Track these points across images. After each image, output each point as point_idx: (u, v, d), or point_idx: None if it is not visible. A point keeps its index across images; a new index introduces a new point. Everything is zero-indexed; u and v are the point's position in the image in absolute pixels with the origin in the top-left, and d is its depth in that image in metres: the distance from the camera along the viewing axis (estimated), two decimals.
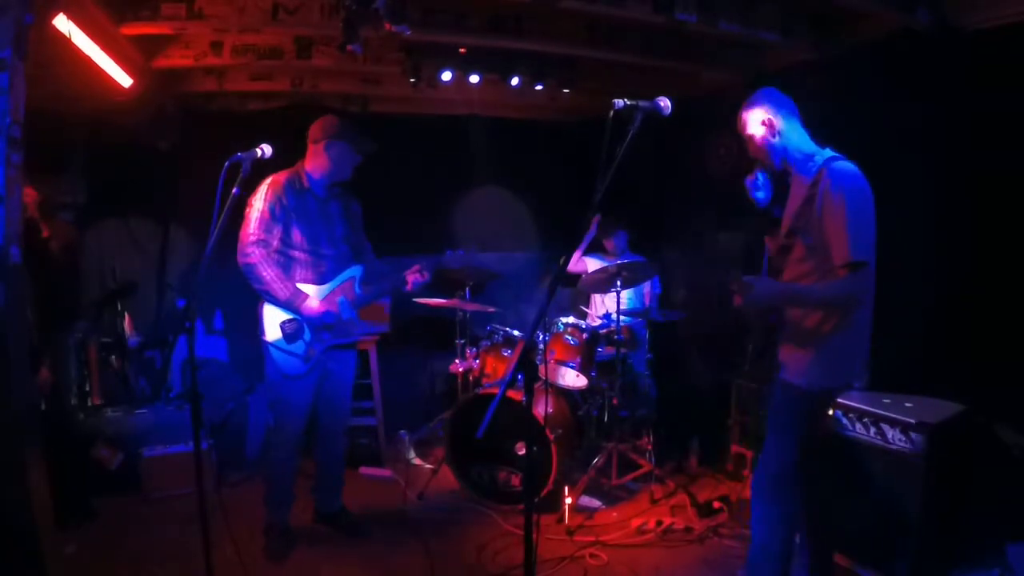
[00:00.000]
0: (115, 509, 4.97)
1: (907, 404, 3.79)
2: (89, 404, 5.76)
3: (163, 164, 6.28)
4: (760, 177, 3.75)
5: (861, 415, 3.81)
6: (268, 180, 4.20)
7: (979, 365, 4.17)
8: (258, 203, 4.14)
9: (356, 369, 4.75)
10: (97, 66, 4.49)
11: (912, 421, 3.59)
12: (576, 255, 6.35)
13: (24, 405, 3.40)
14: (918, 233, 4.31)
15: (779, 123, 3.34)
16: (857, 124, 4.56)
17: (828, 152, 3.32)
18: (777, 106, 3.36)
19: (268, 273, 4.11)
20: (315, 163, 4.30)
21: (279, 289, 4.14)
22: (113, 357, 6.05)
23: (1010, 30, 4.03)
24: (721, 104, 5.21)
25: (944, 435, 3.57)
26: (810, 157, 3.33)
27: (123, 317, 6.11)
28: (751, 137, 3.40)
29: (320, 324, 4.29)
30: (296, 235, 4.26)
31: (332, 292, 4.38)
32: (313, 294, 4.29)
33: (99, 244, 6.25)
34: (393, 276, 4.49)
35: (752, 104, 3.39)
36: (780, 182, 3.56)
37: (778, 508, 3.29)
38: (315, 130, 4.29)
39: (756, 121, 3.36)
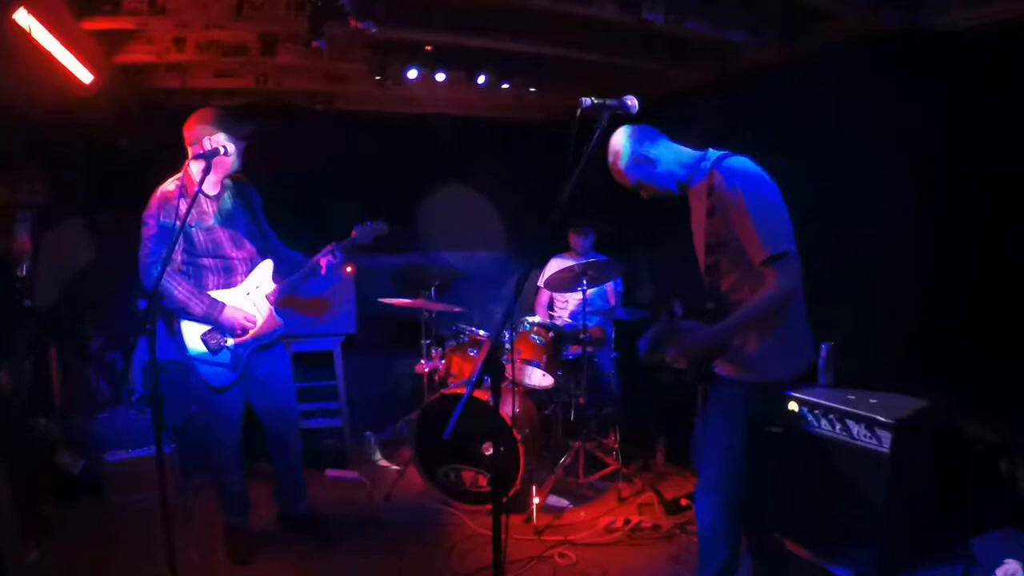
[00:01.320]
0: (78, 515, 4.90)
1: (872, 400, 3.85)
2: (49, 409, 5.67)
3: (124, 162, 6.19)
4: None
5: (826, 411, 3.87)
6: (155, 194, 3.99)
7: (953, 361, 4.20)
8: (150, 220, 3.94)
9: (292, 366, 4.65)
10: (57, 61, 4.40)
11: (878, 417, 3.65)
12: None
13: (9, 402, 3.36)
14: (895, 231, 4.39)
15: (650, 152, 3.25)
16: (825, 123, 4.63)
17: (713, 153, 3.24)
18: (638, 139, 3.28)
19: (179, 290, 3.95)
20: (199, 163, 3.93)
21: (195, 304, 3.99)
22: (73, 360, 5.96)
23: (981, 31, 4.07)
24: (688, 103, 5.26)
25: (909, 431, 3.63)
26: (695, 165, 3.26)
27: (83, 319, 6.02)
28: (639, 181, 3.29)
29: (242, 329, 4.17)
30: (199, 242, 4.08)
31: (247, 293, 4.25)
32: (229, 300, 4.15)
33: (59, 244, 6.14)
34: (305, 263, 4.34)
35: (617, 152, 3.29)
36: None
37: (724, 495, 3.25)
38: (189, 130, 4.04)
39: (631, 164, 3.27)
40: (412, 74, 5.41)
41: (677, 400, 5.78)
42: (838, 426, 3.82)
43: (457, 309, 5.70)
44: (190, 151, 4.01)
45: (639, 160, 3.24)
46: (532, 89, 5.93)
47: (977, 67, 4.06)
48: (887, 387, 4.09)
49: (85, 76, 4.77)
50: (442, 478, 5.14)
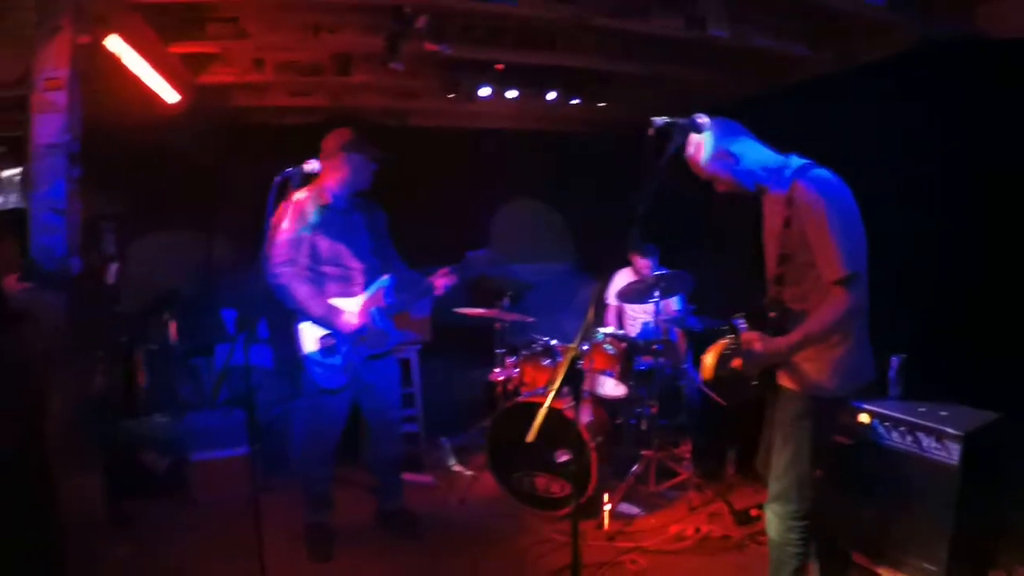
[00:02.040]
0: (163, 512, 5.14)
1: (942, 413, 3.84)
2: (136, 410, 5.92)
3: (204, 176, 6.44)
4: None
5: (897, 423, 3.87)
6: (290, 200, 4.27)
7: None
8: (284, 224, 4.24)
9: (400, 376, 4.88)
10: (143, 83, 4.66)
11: (947, 430, 3.64)
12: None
13: (87, 405, 3.57)
14: (957, 241, 4.38)
15: (733, 148, 3.24)
16: (879, 132, 4.63)
17: (796, 161, 3.25)
18: (723, 133, 3.26)
19: (301, 292, 4.24)
20: (333, 177, 4.35)
21: (314, 306, 4.28)
22: (158, 364, 6.21)
23: None
24: (747, 112, 5.27)
25: (978, 443, 3.62)
26: (779, 171, 3.25)
27: (167, 325, 6.27)
28: (715, 173, 3.29)
29: (356, 337, 4.41)
30: (323, 251, 4.36)
31: (364, 304, 4.47)
32: (346, 308, 4.40)
33: (143, 254, 6.40)
34: (422, 282, 4.60)
35: (700, 146, 3.28)
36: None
37: (792, 506, 3.28)
38: (327, 145, 4.35)
39: (713, 157, 3.25)
40: (484, 92, 5.55)
41: (748, 412, 5.82)
42: (908, 438, 3.81)
43: (529, 319, 5.82)
44: (325, 163, 4.25)
45: (721, 154, 3.23)
46: (599, 104, 6.00)
47: None
48: (956, 400, 4.06)
49: (171, 96, 5.02)
50: (515, 483, 5.24)
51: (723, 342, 3.26)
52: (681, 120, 2.74)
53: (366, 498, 5.04)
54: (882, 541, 3.89)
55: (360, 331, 4.41)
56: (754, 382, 3.37)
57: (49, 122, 3.38)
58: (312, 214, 4.29)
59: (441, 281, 4.56)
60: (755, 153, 3.27)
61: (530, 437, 2.58)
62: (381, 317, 4.51)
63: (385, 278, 4.56)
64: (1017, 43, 4.14)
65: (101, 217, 5.71)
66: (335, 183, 4.37)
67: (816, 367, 3.18)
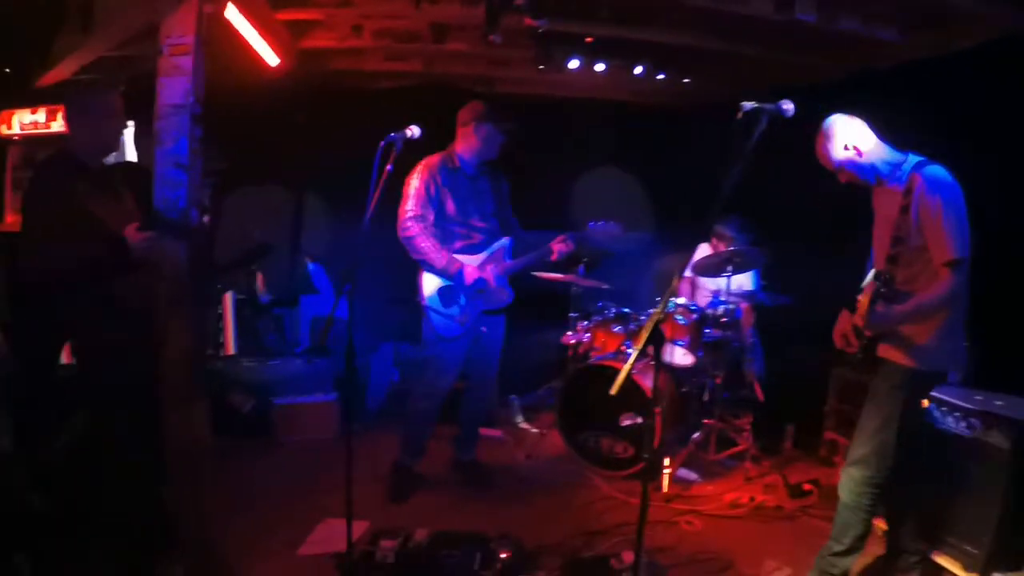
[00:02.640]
0: (249, 450, 5.49)
1: (998, 402, 3.94)
2: (224, 354, 6.28)
3: (299, 136, 6.71)
4: None
5: (953, 409, 3.98)
6: (423, 161, 4.60)
7: None
8: (415, 182, 4.57)
9: (504, 335, 5.14)
10: (249, 45, 4.92)
11: (1002, 418, 3.75)
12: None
13: (201, 344, 3.87)
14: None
15: (860, 143, 3.43)
16: (965, 123, 4.68)
17: (914, 157, 3.45)
18: (851, 129, 3.47)
19: (426, 244, 4.54)
20: (464, 144, 4.68)
21: (436, 258, 4.58)
22: (245, 312, 6.55)
23: None
24: (834, 98, 5.34)
25: None
26: (898, 166, 3.46)
27: (255, 276, 6.60)
28: (840, 166, 3.48)
29: (474, 290, 4.71)
30: (450, 210, 4.69)
31: (484, 262, 4.78)
32: (468, 263, 4.69)
33: (238, 208, 6.70)
34: (540, 247, 4.85)
35: (829, 136, 3.48)
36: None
37: (869, 472, 3.48)
38: (464, 114, 4.67)
39: (839, 149, 3.45)
40: (574, 64, 5.71)
41: (809, 389, 5.94)
42: (963, 424, 3.93)
43: (604, 286, 5.98)
44: (459, 130, 4.70)
45: (848, 148, 3.44)
46: (685, 80, 6.10)
47: None
48: (1017, 392, 4.15)
49: (273, 60, 5.27)
50: (581, 442, 5.47)
51: (875, 284, 3.42)
52: (768, 105, 2.87)
53: (444, 448, 5.29)
54: (928, 521, 3.99)
55: (477, 285, 4.70)
56: (859, 356, 3.53)
57: (175, 85, 3.62)
58: (440, 175, 4.62)
59: (558, 247, 4.78)
60: (878, 149, 3.47)
61: (613, 390, 2.77)
62: (498, 276, 4.80)
63: (505, 239, 4.88)
64: None
65: (204, 173, 6.03)
66: (466, 150, 4.70)
67: (919, 341, 3.41)
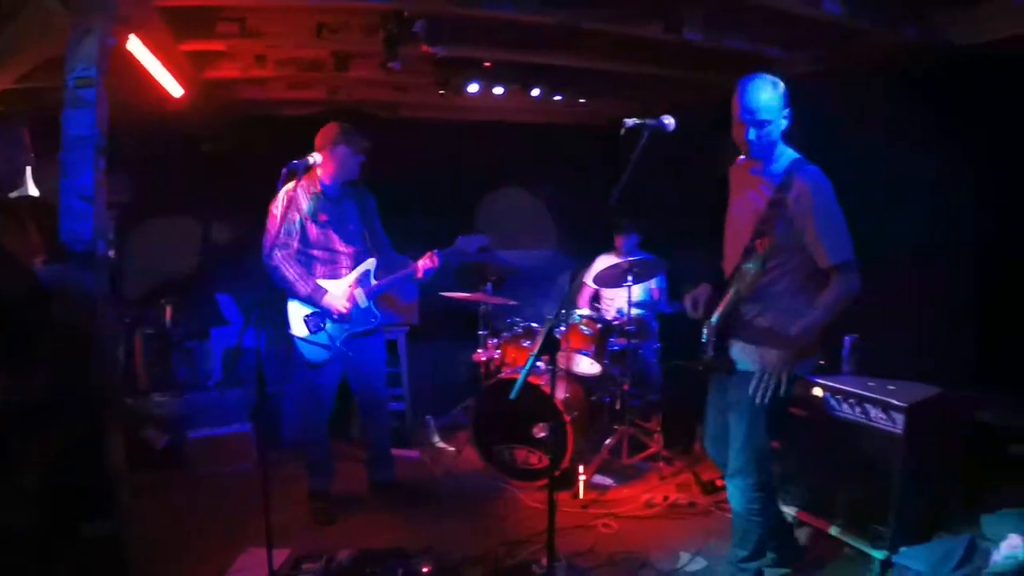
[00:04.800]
0: (165, 485, 5.38)
1: (890, 387, 4.17)
2: (135, 389, 6.19)
3: (204, 166, 6.69)
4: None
5: (847, 396, 4.20)
6: (284, 189, 4.52)
7: (971, 353, 4.62)
8: (276, 210, 4.54)
9: (385, 355, 5.18)
10: (152, 77, 4.92)
11: (892, 401, 3.97)
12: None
13: (113, 380, 3.85)
14: (914, 231, 4.77)
15: (785, 113, 3.34)
16: (853, 132, 4.95)
17: (791, 153, 3.40)
18: (786, 98, 3.35)
19: (290, 272, 4.59)
20: (324, 168, 4.66)
21: (301, 286, 4.61)
22: (155, 346, 6.47)
23: (996, 46, 4.40)
24: (728, 112, 5.57)
25: (923, 415, 3.94)
26: (777, 157, 3.40)
27: (164, 309, 6.53)
28: (763, 123, 3.29)
29: (339, 314, 4.71)
30: (312, 236, 4.70)
31: (349, 285, 4.78)
32: (331, 288, 4.72)
33: (144, 241, 6.65)
34: (404, 265, 4.88)
35: (777, 87, 3.34)
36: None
37: (752, 479, 3.53)
38: (318, 139, 4.65)
39: (778, 110, 3.32)
40: (473, 88, 5.84)
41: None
42: (858, 410, 4.14)
43: (512, 303, 6.08)
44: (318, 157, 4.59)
45: (786, 116, 3.34)
46: (582, 100, 6.29)
47: (995, 78, 4.40)
48: (908, 377, 4.38)
49: (176, 90, 5.27)
50: (496, 456, 5.56)
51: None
52: (650, 121, 3.01)
53: (362, 471, 5.33)
54: (836, 506, 4.23)
55: (342, 309, 4.70)
56: (700, 367, 3.59)
57: (80, 116, 3.63)
58: (303, 201, 4.62)
59: (422, 264, 4.79)
60: (780, 129, 3.38)
61: (512, 394, 2.88)
62: (364, 298, 4.82)
63: (370, 261, 4.88)
64: (973, 48, 4.54)
65: (107, 206, 5.97)
66: (326, 174, 4.69)
67: (772, 345, 3.37)
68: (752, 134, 3.32)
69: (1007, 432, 4.19)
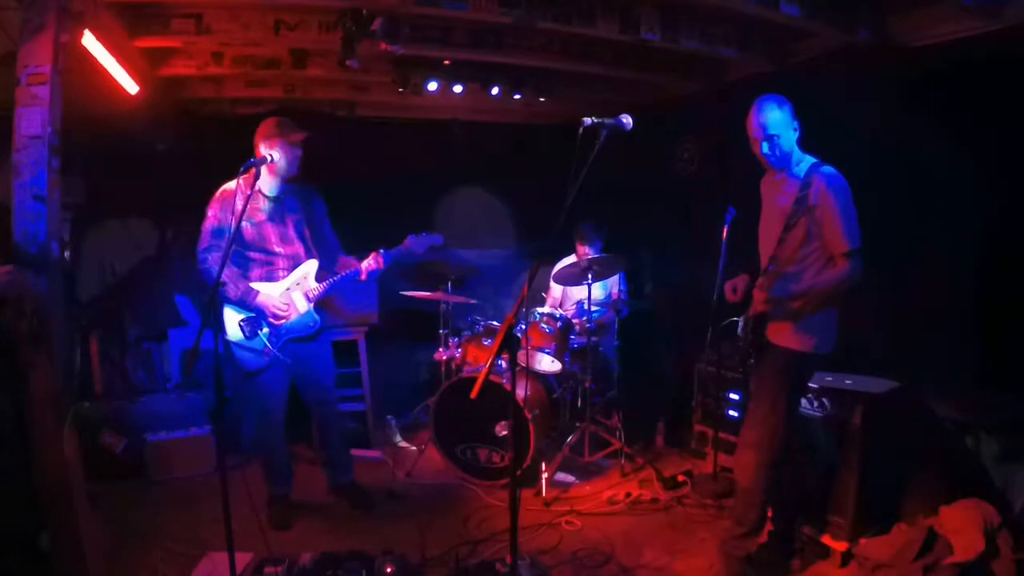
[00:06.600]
0: (123, 491, 5.29)
1: (847, 381, 4.27)
2: (91, 393, 6.10)
3: (160, 165, 6.59)
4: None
5: (806, 391, 4.26)
6: (220, 189, 4.47)
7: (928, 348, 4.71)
8: (209, 212, 4.45)
9: (333, 358, 5.05)
10: (107, 74, 4.81)
11: (850, 395, 4.08)
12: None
13: (64, 384, 3.78)
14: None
15: (794, 126, 3.74)
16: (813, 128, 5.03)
17: (810, 158, 3.78)
18: (792, 112, 3.73)
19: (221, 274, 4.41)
20: (265, 166, 4.45)
21: (231, 288, 4.45)
22: (112, 349, 6.38)
23: (945, 47, 4.51)
24: (684, 111, 5.62)
25: (878, 407, 4.05)
26: (797, 162, 3.78)
27: (121, 312, 6.44)
28: (774, 137, 3.70)
29: (274, 318, 4.58)
30: (248, 237, 4.54)
31: (287, 288, 4.65)
32: (267, 291, 4.59)
33: (98, 242, 6.53)
34: (348, 267, 4.76)
35: (783, 105, 3.71)
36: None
37: (765, 455, 3.72)
38: (257, 136, 4.52)
39: (786, 124, 3.70)
40: (432, 86, 5.80)
41: (675, 386, 6.23)
42: (815, 403, 4.24)
43: (472, 301, 6.11)
44: (257, 155, 4.47)
45: (795, 129, 3.75)
46: (541, 99, 6.30)
47: (947, 78, 4.50)
48: (868, 372, 4.51)
49: (131, 87, 5.16)
50: (459, 455, 5.57)
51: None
52: (608, 120, 3.03)
53: (321, 474, 5.30)
54: (797, 499, 4.24)
55: (276, 313, 4.57)
56: (740, 343, 3.92)
57: (33, 115, 3.55)
58: (238, 200, 4.23)
59: (366, 266, 4.71)
60: (793, 140, 3.78)
61: (473, 394, 2.89)
62: (303, 302, 4.68)
63: (311, 263, 4.72)
64: (925, 49, 4.64)
65: (61, 207, 5.86)
66: (262, 171, 4.46)
67: (805, 325, 3.70)
68: (765, 147, 3.74)
69: (963, 425, 4.24)
